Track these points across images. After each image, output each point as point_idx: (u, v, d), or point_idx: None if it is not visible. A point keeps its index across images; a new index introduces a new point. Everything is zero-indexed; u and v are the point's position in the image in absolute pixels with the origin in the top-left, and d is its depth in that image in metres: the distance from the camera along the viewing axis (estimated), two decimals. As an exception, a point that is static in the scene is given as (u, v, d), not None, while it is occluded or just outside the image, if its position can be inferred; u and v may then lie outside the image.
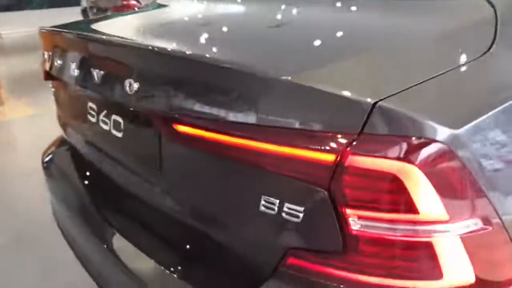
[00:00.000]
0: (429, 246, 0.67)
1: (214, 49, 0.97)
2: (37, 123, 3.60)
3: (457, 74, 0.74)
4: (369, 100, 0.64)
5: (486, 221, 0.68)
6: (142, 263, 0.99)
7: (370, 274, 0.72)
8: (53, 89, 1.57)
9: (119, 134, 1.11)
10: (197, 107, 0.83)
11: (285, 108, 0.72)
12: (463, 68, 0.77)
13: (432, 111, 0.65)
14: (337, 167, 0.67)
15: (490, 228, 0.68)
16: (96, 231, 1.16)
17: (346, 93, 0.66)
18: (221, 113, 0.80)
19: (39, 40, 1.42)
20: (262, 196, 0.77)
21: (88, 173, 1.40)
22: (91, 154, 1.37)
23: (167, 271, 0.93)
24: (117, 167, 1.19)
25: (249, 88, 0.77)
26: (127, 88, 0.92)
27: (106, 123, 1.16)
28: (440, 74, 0.72)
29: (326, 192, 0.69)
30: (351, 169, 0.66)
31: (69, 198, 1.39)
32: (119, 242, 1.08)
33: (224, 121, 0.79)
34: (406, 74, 0.74)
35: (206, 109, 0.82)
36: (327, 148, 0.67)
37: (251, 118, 0.75)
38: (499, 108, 0.70)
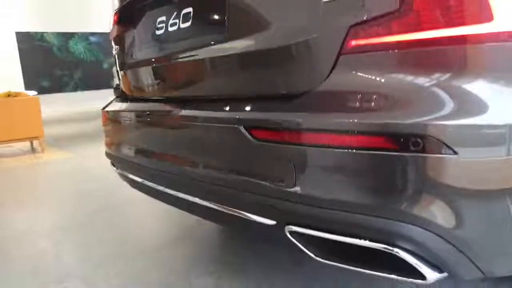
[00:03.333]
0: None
1: None
2: (71, 162, 4.35)
3: None
4: None
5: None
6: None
7: (425, 29, 0.82)
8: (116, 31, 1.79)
9: (187, 24, 1.28)
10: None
11: None
12: None
13: None
14: None
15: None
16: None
17: None
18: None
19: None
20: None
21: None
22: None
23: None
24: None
25: None
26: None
27: (175, 24, 1.34)
28: None
29: None
30: None
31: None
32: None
33: None
34: None
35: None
36: None
37: None
38: None
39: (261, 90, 1.09)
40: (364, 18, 0.86)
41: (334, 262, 0.99)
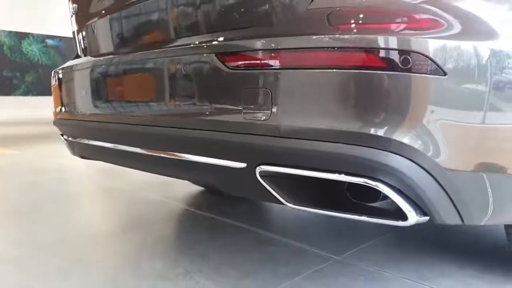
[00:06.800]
0: None
1: None
2: (14, 157, 4.08)
3: None
4: None
5: None
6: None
7: None
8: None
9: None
10: None
11: None
12: None
13: None
14: None
15: None
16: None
17: None
18: None
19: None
20: None
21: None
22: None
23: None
24: None
25: None
26: None
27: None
28: None
29: None
30: None
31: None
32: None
33: None
34: None
35: None
36: None
37: None
38: None
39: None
40: None
41: (307, 207, 0.91)
